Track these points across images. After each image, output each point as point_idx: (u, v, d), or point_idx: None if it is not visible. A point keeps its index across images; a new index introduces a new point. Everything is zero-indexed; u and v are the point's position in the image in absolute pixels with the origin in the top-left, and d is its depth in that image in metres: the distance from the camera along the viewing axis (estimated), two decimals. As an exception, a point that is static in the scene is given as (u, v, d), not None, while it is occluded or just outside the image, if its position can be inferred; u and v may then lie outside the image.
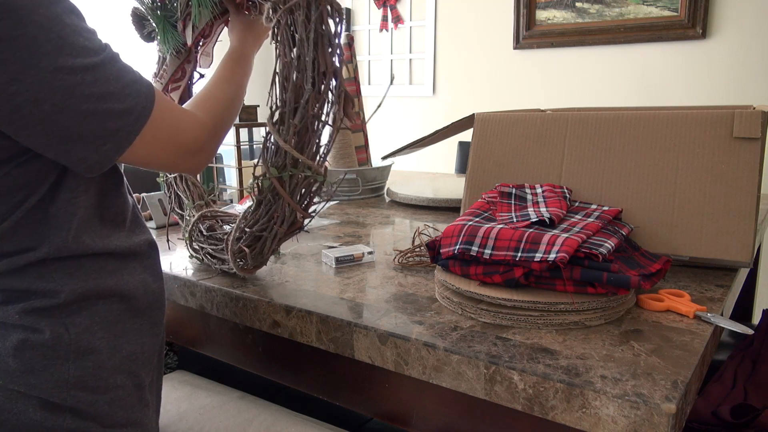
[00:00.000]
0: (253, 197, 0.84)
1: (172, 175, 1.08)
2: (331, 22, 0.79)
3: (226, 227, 1.00)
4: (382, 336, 0.71)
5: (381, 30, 3.13)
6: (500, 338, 0.68)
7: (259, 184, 0.82)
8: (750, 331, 0.69)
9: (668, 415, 0.53)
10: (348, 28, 3.22)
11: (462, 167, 2.20)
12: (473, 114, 1.09)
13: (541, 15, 2.60)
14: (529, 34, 2.63)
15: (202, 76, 1.07)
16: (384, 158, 1.59)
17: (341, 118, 0.81)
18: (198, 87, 0.97)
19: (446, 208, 1.42)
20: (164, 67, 1.01)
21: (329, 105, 0.80)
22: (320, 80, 0.78)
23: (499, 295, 0.71)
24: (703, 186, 0.88)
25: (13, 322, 0.65)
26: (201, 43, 1.00)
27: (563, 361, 0.62)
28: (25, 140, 0.60)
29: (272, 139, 0.80)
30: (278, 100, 0.79)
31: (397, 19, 3.06)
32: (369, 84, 3.22)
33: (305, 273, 0.93)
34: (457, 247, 0.76)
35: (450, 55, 2.94)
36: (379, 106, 1.63)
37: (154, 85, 0.70)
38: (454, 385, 0.66)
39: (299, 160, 0.79)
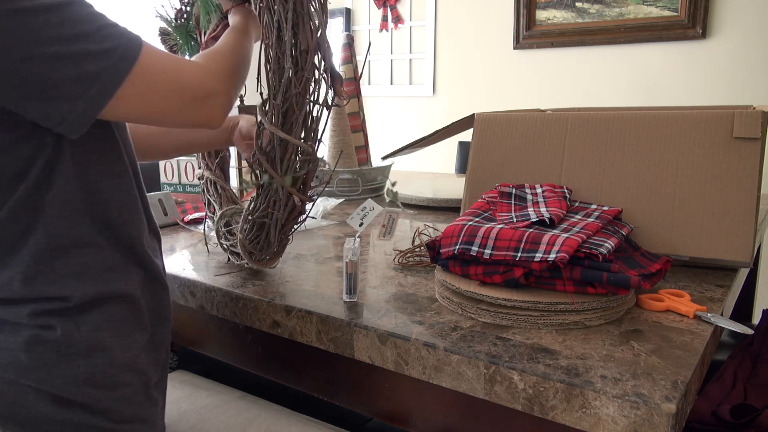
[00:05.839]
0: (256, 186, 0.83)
1: (202, 178, 1.07)
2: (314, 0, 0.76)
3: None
4: (382, 336, 0.71)
5: (381, 30, 3.13)
6: (500, 338, 0.68)
7: (256, 171, 0.81)
8: (750, 331, 0.69)
9: (668, 415, 0.53)
10: (348, 28, 3.22)
11: (462, 167, 2.20)
12: (473, 114, 1.09)
13: (541, 15, 2.60)
14: (529, 34, 2.63)
15: None
16: (384, 158, 1.58)
17: (332, 97, 0.79)
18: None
19: (446, 208, 1.42)
20: None
21: (316, 84, 0.78)
22: (303, 59, 0.76)
23: (499, 295, 0.71)
24: (703, 186, 0.88)
25: (24, 322, 0.65)
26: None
27: (563, 361, 0.62)
28: (6, 99, 0.58)
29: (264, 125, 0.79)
30: (266, 86, 0.78)
31: (397, 19, 3.06)
32: (369, 84, 3.22)
33: (305, 273, 0.93)
34: (457, 247, 0.76)
35: (450, 55, 2.94)
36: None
37: None
38: (454, 385, 0.66)
39: (289, 142, 0.77)
